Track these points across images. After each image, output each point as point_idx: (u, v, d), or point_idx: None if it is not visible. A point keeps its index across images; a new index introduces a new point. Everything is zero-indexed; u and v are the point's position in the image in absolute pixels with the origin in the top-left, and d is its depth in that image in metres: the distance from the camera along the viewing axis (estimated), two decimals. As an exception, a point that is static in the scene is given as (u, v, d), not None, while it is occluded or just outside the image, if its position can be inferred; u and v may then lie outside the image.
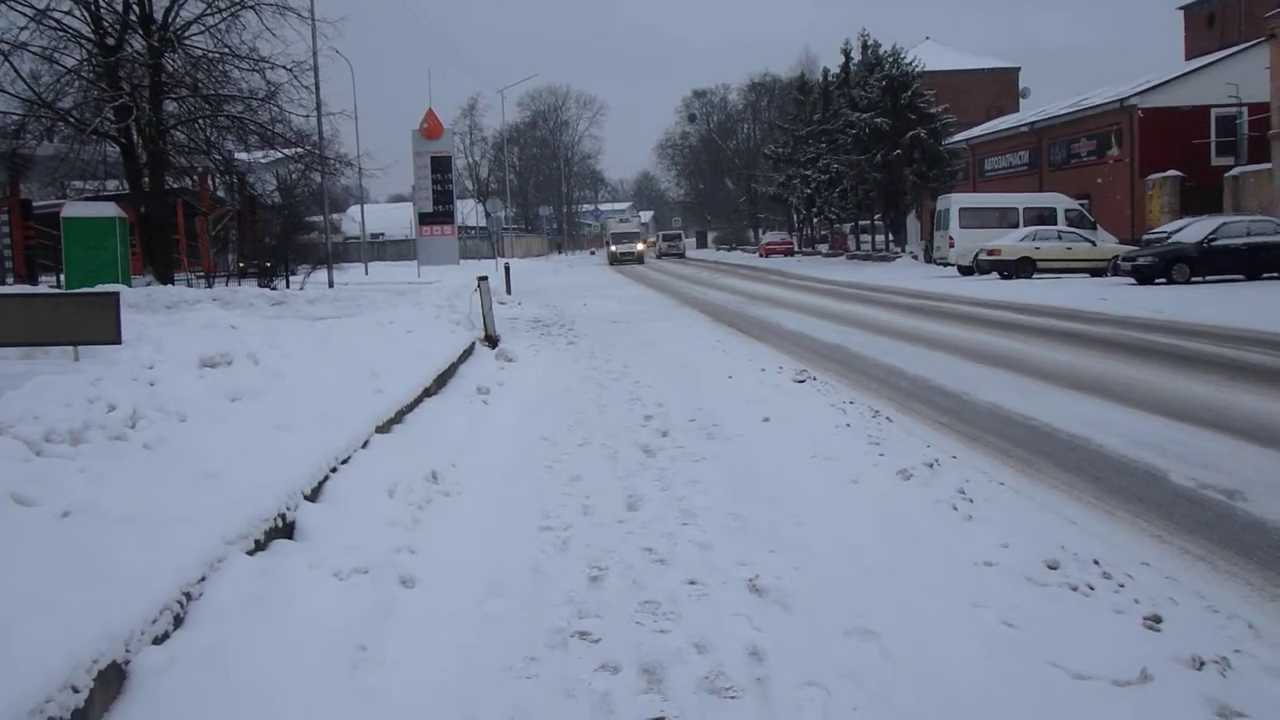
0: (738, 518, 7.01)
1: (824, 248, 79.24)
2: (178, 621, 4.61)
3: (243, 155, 30.59)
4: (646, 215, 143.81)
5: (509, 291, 32.60)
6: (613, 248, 76.65)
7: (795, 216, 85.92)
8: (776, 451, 9.01)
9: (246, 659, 4.47)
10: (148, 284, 23.59)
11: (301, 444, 7.35)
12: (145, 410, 6.99)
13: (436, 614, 5.42)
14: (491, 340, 18.02)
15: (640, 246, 76.37)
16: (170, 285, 24.02)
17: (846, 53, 64.83)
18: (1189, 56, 52.89)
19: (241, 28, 24.84)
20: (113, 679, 4.06)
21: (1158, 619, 5.15)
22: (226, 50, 24.79)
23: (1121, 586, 5.61)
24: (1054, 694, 4.38)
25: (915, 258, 52.51)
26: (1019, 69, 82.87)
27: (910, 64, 57.07)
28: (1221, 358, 14.15)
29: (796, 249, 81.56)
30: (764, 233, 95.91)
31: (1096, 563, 5.94)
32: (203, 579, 4.93)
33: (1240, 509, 7.20)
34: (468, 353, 15.85)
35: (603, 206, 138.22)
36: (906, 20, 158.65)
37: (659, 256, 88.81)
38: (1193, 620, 5.18)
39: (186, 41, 24.75)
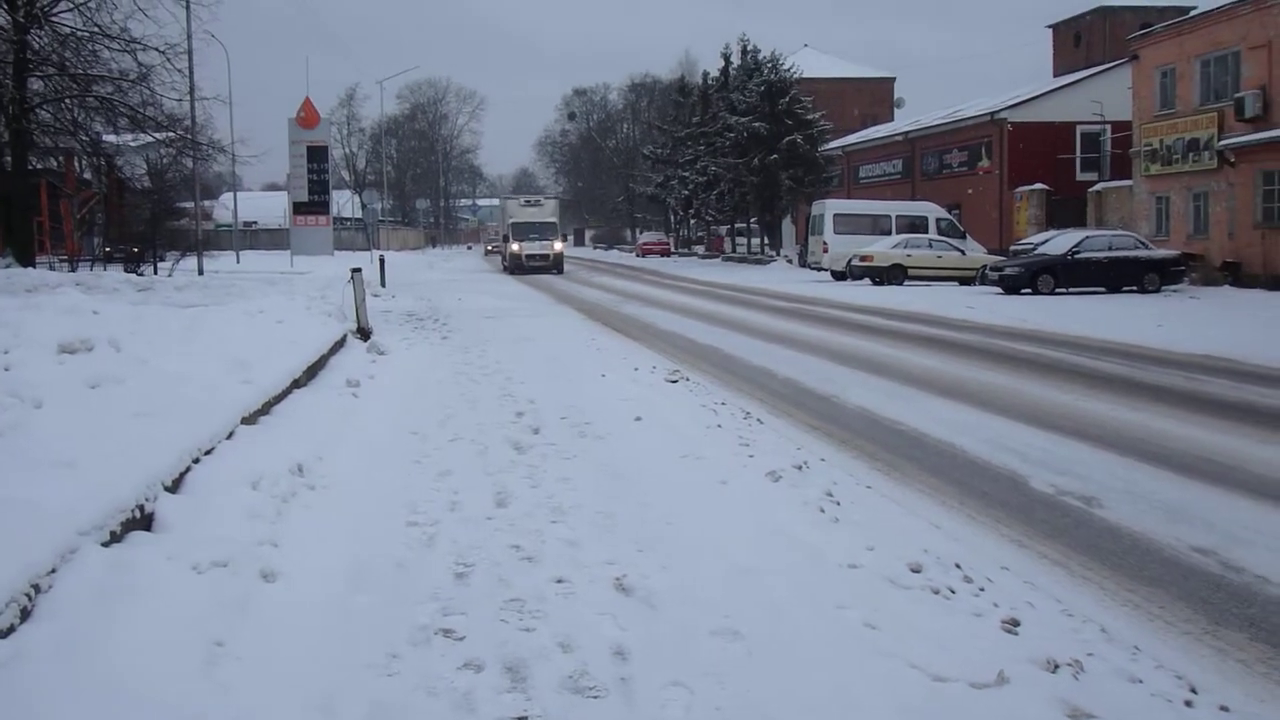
0: (607, 516, 6.98)
1: (700, 249, 79.85)
2: (24, 614, 4.41)
3: (111, 137, 29.54)
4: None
5: (383, 284, 32.15)
6: (514, 245, 50.97)
7: (673, 217, 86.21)
8: (648, 450, 9.00)
9: (97, 653, 4.29)
10: (7, 266, 22.61)
11: (163, 433, 7.10)
12: (-3, 395, 6.72)
13: (297, 609, 5.28)
14: (364, 333, 17.73)
15: (558, 246, 52.02)
16: (31, 268, 23.07)
17: (726, 57, 65.32)
18: (1056, 73, 54.41)
19: (113, 7, 23.82)
20: (-52, 675, 3.87)
21: (1015, 622, 5.26)
22: (96, 29, 23.85)
23: (982, 590, 5.72)
24: (913, 695, 4.43)
25: (790, 261, 53.20)
26: (894, 79, 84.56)
27: (789, 70, 57.86)
28: (1081, 367, 14.61)
29: (673, 250, 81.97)
30: (641, 232, 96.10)
31: (958, 566, 6.06)
32: (53, 571, 4.72)
33: (1096, 515, 7.43)
34: (339, 345, 15.55)
35: (481, 201, 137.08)
36: (785, 27, 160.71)
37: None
38: (1049, 624, 5.31)
39: (54, 18, 23.78)
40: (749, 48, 61.28)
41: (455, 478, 8.08)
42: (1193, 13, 36.85)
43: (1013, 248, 36.01)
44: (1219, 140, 31.87)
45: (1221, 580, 6.17)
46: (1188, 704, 4.52)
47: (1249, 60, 31.95)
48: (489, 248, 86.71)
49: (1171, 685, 4.67)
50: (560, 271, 49.56)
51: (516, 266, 50.41)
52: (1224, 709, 4.50)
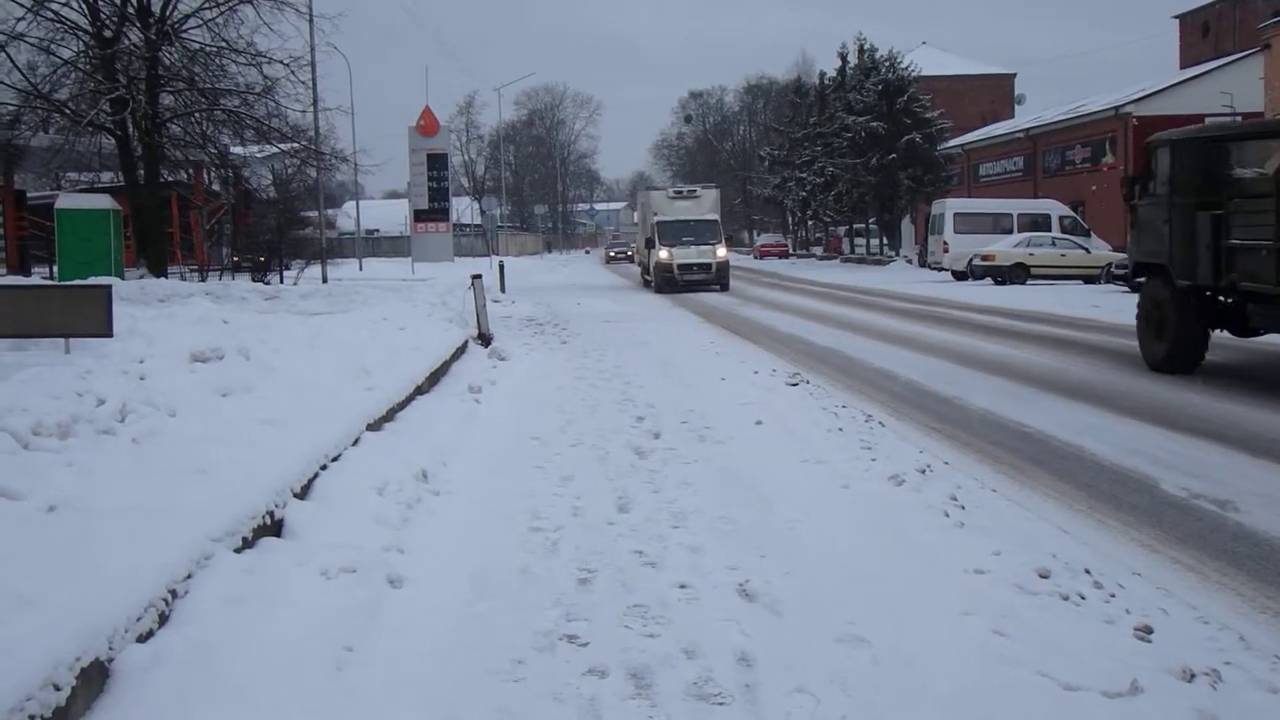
0: (728, 521, 6.98)
1: (818, 250, 79.15)
2: (162, 619, 4.57)
3: (238, 149, 30.53)
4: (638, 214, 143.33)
5: (503, 289, 32.56)
6: (662, 253, 36.72)
7: (790, 219, 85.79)
8: (768, 455, 8.97)
9: (231, 658, 4.43)
10: (140, 277, 23.46)
11: (292, 440, 7.31)
12: (134, 404, 6.96)
13: (424, 614, 5.38)
14: (485, 339, 17.96)
15: (721, 252, 37.01)
16: (163, 279, 23.89)
17: (843, 56, 64.65)
18: (1184, 65, 52.92)
19: (239, 22, 24.78)
20: (95, 677, 4.02)
21: (1149, 629, 5.12)
22: (224, 44, 24.71)
23: (1113, 596, 5.58)
24: (1043, 704, 4.34)
25: (909, 262, 52.48)
26: (1015, 75, 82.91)
27: (906, 68, 57.11)
28: (1213, 367, 14.15)
29: (791, 251, 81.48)
30: (759, 234, 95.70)
31: (1088, 571, 5.91)
32: (189, 576, 4.88)
33: (1231, 519, 7.18)
34: (460, 351, 15.80)
35: (598, 206, 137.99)
36: (903, 25, 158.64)
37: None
38: (1184, 631, 5.16)
39: (184, 35, 24.68)
40: (866, 47, 60.54)
41: (577, 483, 8.14)
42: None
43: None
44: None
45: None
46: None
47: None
48: (611, 253, 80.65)
49: (1319, 696, 4.50)
50: (725, 288, 35.79)
51: (666, 282, 35.85)
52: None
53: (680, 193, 41.75)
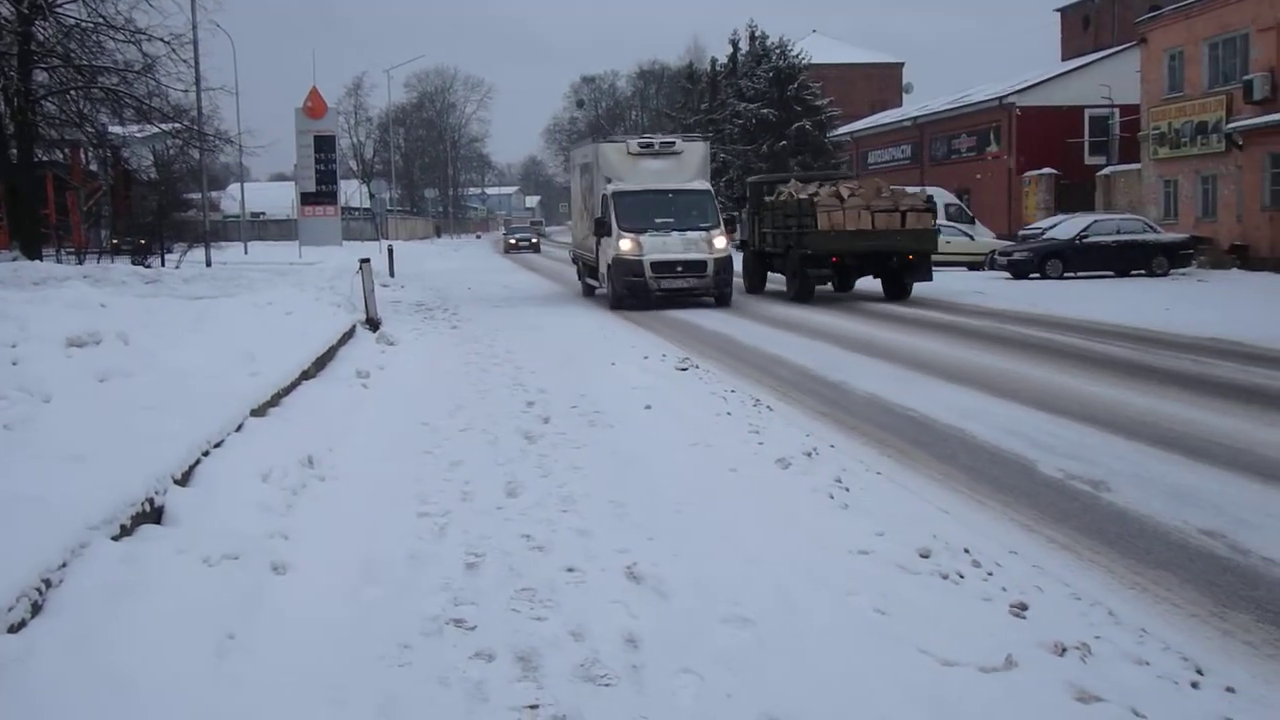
0: (617, 504, 7.00)
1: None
2: (35, 609, 4.44)
3: (117, 129, 29.60)
4: (533, 200, 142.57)
5: (392, 274, 32.18)
6: (625, 243, 23.10)
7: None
8: (657, 439, 9.02)
9: (109, 647, 4.32)
10: (14, 259, 22.69)
11: (173, 426, 7.12)
12: (6, 390, 6.76)
13: (309, 601, 5.31)
14: (373, 323, 17.74)
15: (720, 242, 23.69)
16: (38, 261, 23.13)
17: (735, 44, 64.84)
18: (1065, 57, 54.25)
19: (117, -3, 24.01)
20: (-37, 669, 3.89)
21: (1024, 606, 5.27)
22: (101, 20, 23.86)
23: (990, 574, 5.74)
24: (922, 680, 4.45)
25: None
26: (903, 64, 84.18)
27: (797, 56, 57.55)
28: (1089, 351, 14.59)
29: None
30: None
31: (967, 551, 6.07)
32: (64, 565, 4.75)
33: (1104, 499, 7.42)
34: (348, 335, 15.58)
35: (490, 190, 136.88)
36: (794, 13, 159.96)
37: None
38: (1057, 607, 5.33)
39: (58, 9, 23.85)
40: (757, 34, 60.72)
41: (466, 468, 8.10)
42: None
43: (1021, 232, 35.88)
44: (1227, 123, 31.70)
45: (1229, 563, 6.17)
46: (1194, 685, 4.53)
47: (1258, 42, 31.74)
48: (512, 240, 66.55)
49: (1178, 667, 4.68)
50: (724, 302, 23.63)
51: (630, 291, 23.19)
52: (1230, 690, 4.51)
53: (650, 146, 25.46)
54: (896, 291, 24.46)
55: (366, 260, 19.52)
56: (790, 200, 24.75)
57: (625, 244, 22.59)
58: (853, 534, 6.33)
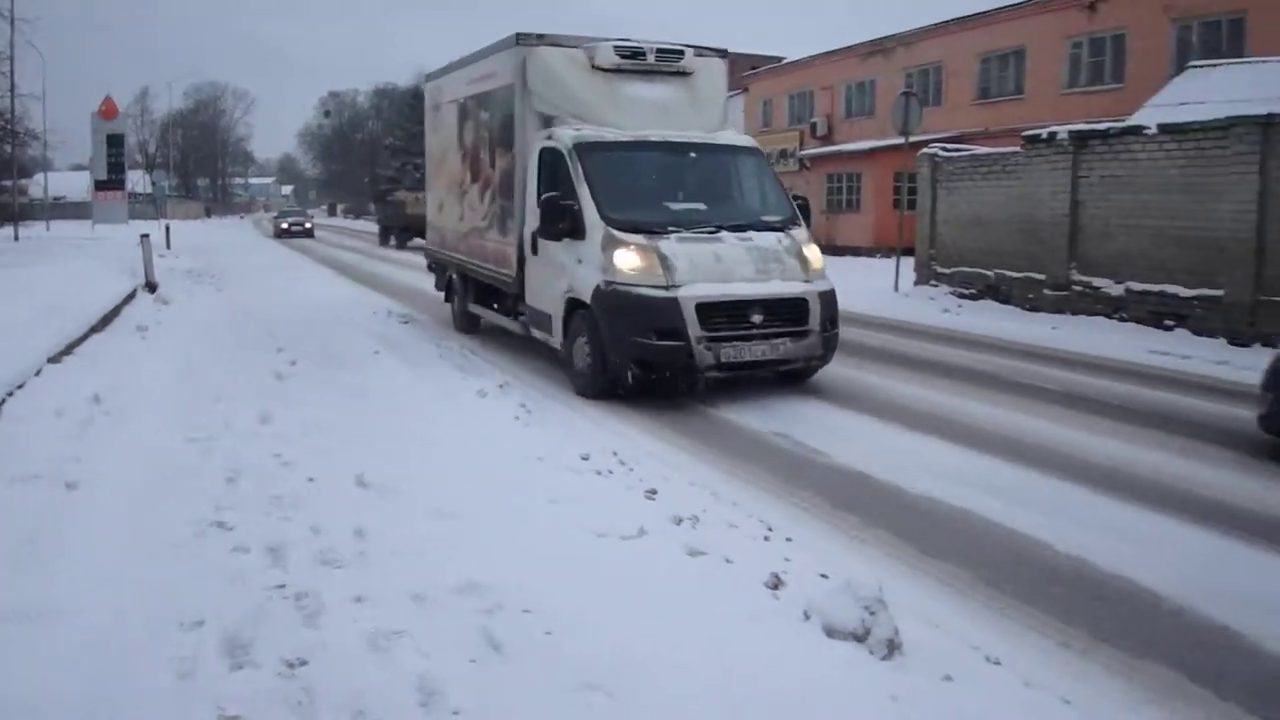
0: (351, 428, 6.71)
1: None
2: None
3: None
4: (288, 189, 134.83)
5: (168, 247, 29.55)
6: (622, 258, 7.81)
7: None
8: (385, 376, 8.73)
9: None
10: None
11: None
12: None
13: (97, 511, 4.85)
14: (151, 286, 16.24)
15: (816, 258, 8.34)
16: None
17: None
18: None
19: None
20: None
21: (654, 492, 5.46)
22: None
23: (631, 471, 5.90)
24: (582, 547, 4.52)
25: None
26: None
27: (497, 85, 56.49)
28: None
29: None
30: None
31: (615, 454, 6.22)
32: None
33: (713, 413, 7.76)
34: (131, 297, 14.22)
35: (253, 180, 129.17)
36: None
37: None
38: (678, 492, 5.54)
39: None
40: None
41: (226, 402, 7.56)
42: (784, 61, 38.68)
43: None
44: (799, 151, 33.76)
45: (794, 454, 6.62)
46: (765, 538, 4.85)
47: (820, 97, 34.25)
48: (284, 225, 48.40)
49: (758, 528, 4.99)
50: (807, 371, 8.67)
51: (658, 363, 7.77)
52: (789, 540, 4.86)
53: (639, 57, 9.18)
54: None
55: (147, 235, 18.15)
56: None
57: (631, 258, 8.01)
58: (534, 445, 6.35)
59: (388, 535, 4.60)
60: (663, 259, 7.75)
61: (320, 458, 5.95)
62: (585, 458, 6.07)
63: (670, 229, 8.02)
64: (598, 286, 7.91)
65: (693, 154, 8.82)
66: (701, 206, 8.47)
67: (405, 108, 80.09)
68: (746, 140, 9.68)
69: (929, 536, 5.05)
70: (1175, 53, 22.19)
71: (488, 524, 4.79)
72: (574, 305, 8.34)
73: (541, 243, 8.79)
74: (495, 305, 10.75)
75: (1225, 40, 21.43)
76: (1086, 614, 4.16)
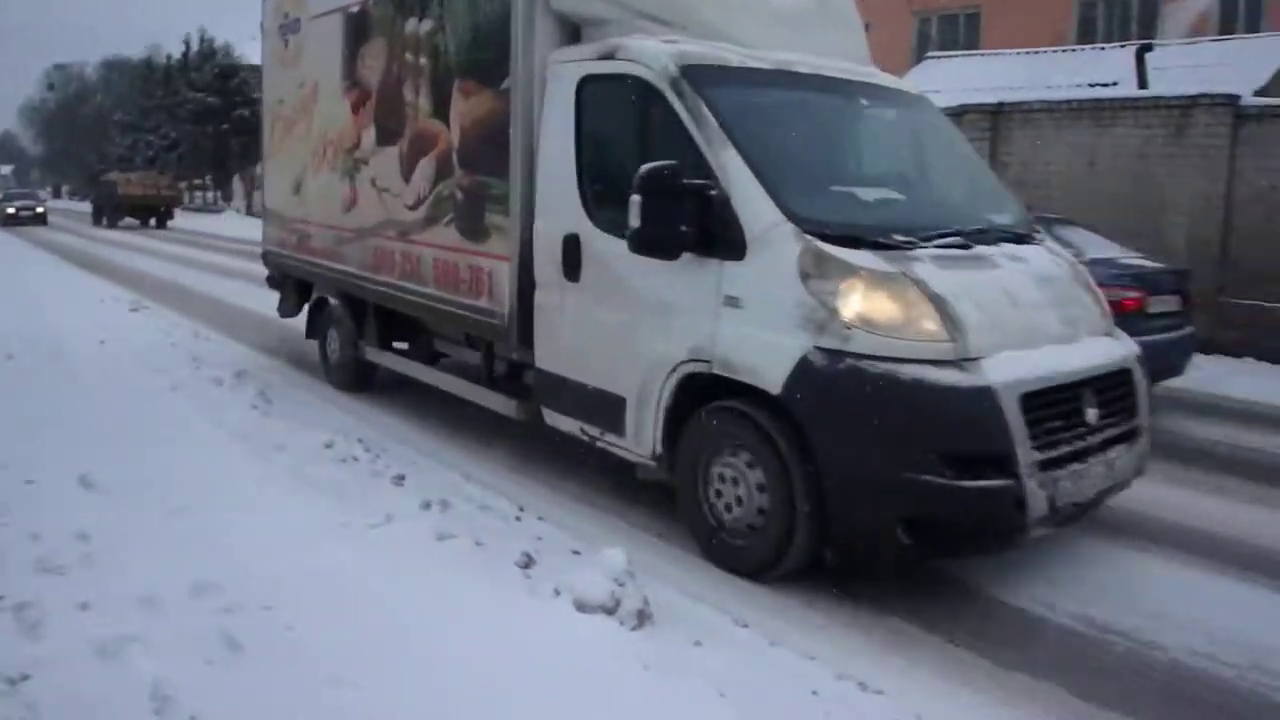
0: (75, 431, 5.80)
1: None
2: None
3: None
4: (8, 169, 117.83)
5: None
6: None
7: (142, 174, 75.06)
8: (116, 372, 7.58)
9: None
10: None
11: None
12: None
13: None
14: None
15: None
16: None
17: (187, 43, 58.43)
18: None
19: None
20: None
21: (402, 477, 5.13)
22: None
23: (378, 457, 5.52)
24: (329, 535, 4.12)
25: (238, 211, 48.81)
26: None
27: (238, 57, 52.79)
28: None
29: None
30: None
31: (360, 441, 5.81)
32: None
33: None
34: None
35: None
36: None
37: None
38: (428, 476, 5.22)
39: None
40: (205, 37, 55.75)
41: None
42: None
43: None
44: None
45: (546, 443, 6.45)
46: (517, 519, 4.65)
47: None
48: (10, 209, 37.26)
49: (510, 509, 4.78)
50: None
51: (953, 525, 3.44)
52: (541, 519, 4.69)
53: None
54: None
55: None
56: None
57: (882, 303, 3.56)
58: (274, 433, 5.81)
59: (117, 536, 4.00)
60: (938, 303, 3.62)
61: (39, 460, 5.08)
62: (329, 445, 5.60)
63: (899, 239, 3.83)
64: (805, 360, 3.60)
65: (864, 100, 4.73)
66: (898, 196, 4.50)
67: (138, 80, 72.17)
68: (910, 84, 5.51)
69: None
70: (916, 45, 22.48)
71: (222, 511, 4.29)
72: (707, 392, 4.05)
73: (603, 261, 4.43)
74: (344, 345, 7.00)
75: (962, 34, 22.17)
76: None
